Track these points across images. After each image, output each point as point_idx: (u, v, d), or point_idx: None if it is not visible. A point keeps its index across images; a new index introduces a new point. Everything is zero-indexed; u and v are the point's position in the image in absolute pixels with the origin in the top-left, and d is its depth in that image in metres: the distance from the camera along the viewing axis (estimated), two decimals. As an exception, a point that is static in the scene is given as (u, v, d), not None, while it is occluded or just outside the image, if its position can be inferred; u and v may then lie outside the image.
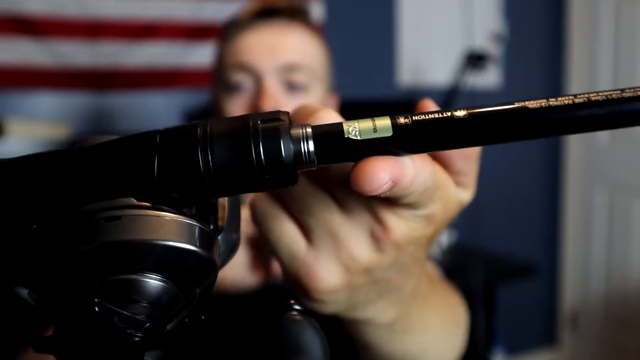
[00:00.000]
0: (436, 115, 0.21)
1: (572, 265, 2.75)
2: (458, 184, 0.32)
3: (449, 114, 0.21)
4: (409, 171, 0.24)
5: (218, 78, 0.83)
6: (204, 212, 0.22)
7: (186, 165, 0.19)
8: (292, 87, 0.78)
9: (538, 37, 2.62)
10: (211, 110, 0.88)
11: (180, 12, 1.79)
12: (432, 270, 0.65)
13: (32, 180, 0.19)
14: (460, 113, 0.21)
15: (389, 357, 0.42)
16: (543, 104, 0.21)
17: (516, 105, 0.21)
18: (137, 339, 0.18)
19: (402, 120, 0.22)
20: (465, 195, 0.33)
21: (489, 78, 2.38)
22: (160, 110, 1.82)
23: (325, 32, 1.97)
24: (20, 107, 1.65)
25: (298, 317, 0.20)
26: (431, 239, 0.33)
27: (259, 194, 0.30)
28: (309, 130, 0.21)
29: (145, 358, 0.18)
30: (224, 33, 0.84)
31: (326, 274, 0.29)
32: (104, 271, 0.18)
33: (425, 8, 2.28)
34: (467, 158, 0.31)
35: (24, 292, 0.20)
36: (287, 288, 0.32)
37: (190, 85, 1.83)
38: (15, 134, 1.48)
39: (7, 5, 1.57)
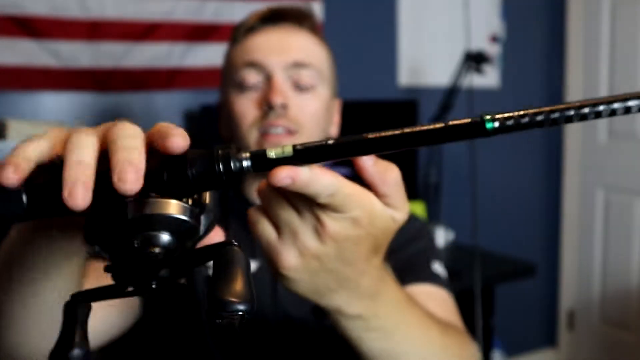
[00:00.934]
0: (317, 144, 0.37)
1: (571, 266, 2.76)
2: (388, 205, 0.44)
3: (325, 142, 0.37)
4: (304, 174, 0.38)
5: (228, 78, 0.86)
6: (198, 200, 0.37)
7: (181, 174, 0.35)
8: (299, 85, 0.82)
9: (536, 37, 2.64)
10: (220, 109, 0.91)
11: (181, 13, 1.80)
12: (441, 306, 0.76)
13: (101, 188, 0.34)
14: (331, 142, 0.37)
15: (371, 355, 0.53)
16: (377, 136, 0.36)
17: (361, 136, 0.36)
18: (156, 263, 0.33)
19: (299, 146, 0.37)
20: (397, 214, 0.45)
21: (487, 78, 2.39)
22: (161, 110, 1.83)
23: (325, 32, 1.98)
24: (22, 107, 1.66)
25: (232, 247, 0.33)
26: (371, 243, 0.45)
27: (252, 208, 0.46)
28: (248, 154, 0.36)
29: (160, 275, 0.33)
30: (233, 36, 0.88)
31: (287, 256, 0.44)
32: (139, 230, 0.33)
33: (425, 9, 2.29)
34: (387, 184, 0.43)
35: (97, 248, 0.35)
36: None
37: (191, 86, 1.84)
38: (17, 134, 1.48)
39: (9, 6, 1.58)
